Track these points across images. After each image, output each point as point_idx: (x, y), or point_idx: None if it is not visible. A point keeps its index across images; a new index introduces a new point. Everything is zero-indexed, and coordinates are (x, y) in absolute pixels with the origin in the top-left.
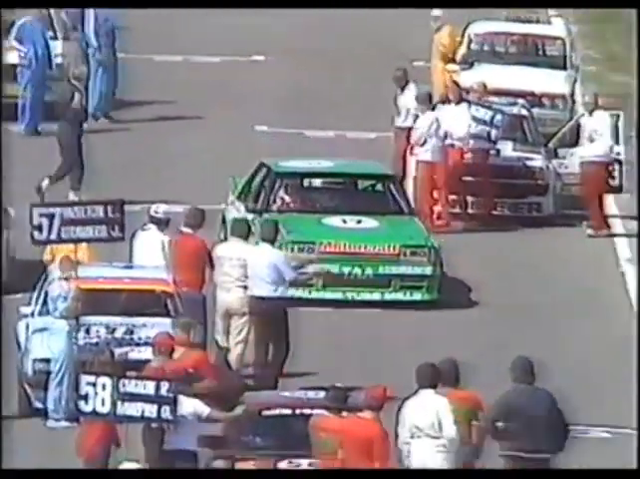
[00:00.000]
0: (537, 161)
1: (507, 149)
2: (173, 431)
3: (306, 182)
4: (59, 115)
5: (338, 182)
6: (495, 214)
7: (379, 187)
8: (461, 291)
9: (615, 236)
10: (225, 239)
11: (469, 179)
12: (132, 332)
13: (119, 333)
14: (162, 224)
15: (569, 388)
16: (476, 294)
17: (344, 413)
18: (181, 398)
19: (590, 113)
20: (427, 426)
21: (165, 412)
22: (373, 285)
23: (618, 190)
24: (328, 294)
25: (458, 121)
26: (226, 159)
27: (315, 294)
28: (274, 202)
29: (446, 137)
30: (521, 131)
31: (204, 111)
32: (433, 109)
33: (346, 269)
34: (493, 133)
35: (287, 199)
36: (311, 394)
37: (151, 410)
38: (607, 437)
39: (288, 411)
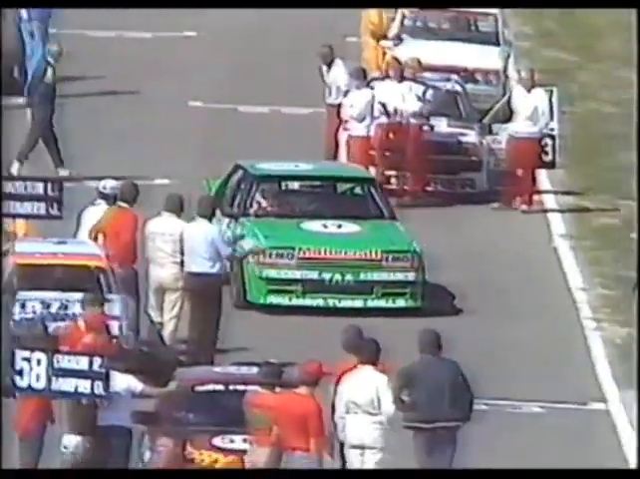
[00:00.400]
0: (471, 137)
1: (442, 125)
2: (107, 407)
3: (284, 185)
4: (32, 90)
5: (316, 185)
6: (429, 190)
7: (358, 190)
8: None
9: (549, 211)
10: None
11: (403, 155)
12: (66, 308)
13: (53, 308)
14: (111, 199)
15: (502, 363)
16: None
17: (278, 389)
18: (115, 374)
19: (529, 90)
20: (365, 403)
21: (99, 388)
22: (355, 292)
23: (551, 165)
24: (308, 301)
25: (406, 98)
26: (161, 134)
27: (295, 301)
28: (251, 205)
29: (396, 113)
30: (455, 107)
31: (138, 86)
32: (367, 84)
33: (326, 276)
34: (426, 108)
35: (264, 202)
36: (244, 370)
37: (84, 386)
38: (540, 412)
39: (221, 387)
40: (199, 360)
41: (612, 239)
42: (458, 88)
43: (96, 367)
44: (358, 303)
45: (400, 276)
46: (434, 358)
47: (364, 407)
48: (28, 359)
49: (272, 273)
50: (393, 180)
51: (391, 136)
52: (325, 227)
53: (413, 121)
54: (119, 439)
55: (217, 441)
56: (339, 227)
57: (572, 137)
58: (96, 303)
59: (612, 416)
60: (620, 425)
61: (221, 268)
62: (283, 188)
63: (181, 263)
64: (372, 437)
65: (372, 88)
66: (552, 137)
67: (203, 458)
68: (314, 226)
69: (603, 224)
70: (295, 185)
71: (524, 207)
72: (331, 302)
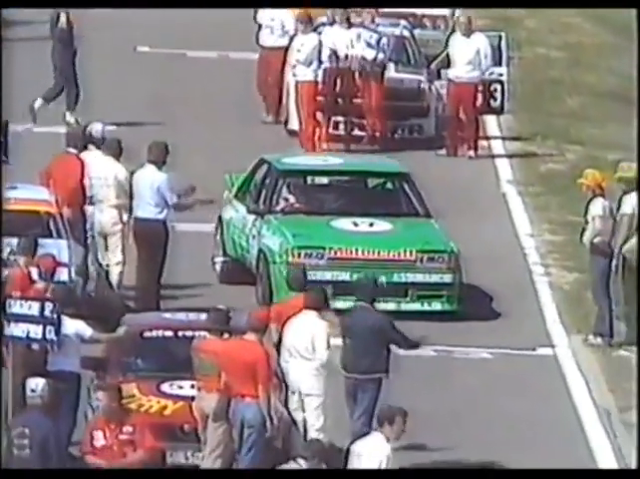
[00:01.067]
0: (420, 82)
1: (390, 70)
2: (57, 352)
3: (311, 180)
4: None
5: (346, 180)
6: (377, 135)
7: (390, 185)
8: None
9: (496, 157)
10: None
11: (352, 100)
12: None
13: (4, 254)
14: (99, 143)
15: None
16: None
17: (226, 335)
18: (64, 319)
19: (468, 35)
20: (302, 347)
21: (50, 333)
22: (388, 294)
23: (499, 111)
24: (339, 304)
25: (354, 44)
26: (107, 79)
27: None
28: (277, 202)
29: (346, 59)
30: (404, 52)
31: (85, 32)
32: (314, 29)
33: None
34: (380, 56)
35: (291, 199)
36: (192, 316)
37: (36, 331)
38: (489, 358)
39: (170, 333)
40: (146, 306)
41: (559, 184)
42: (406, 33)
43: (47, 313)
44: (391, 306)
45: (435, 278)
46: (365, 308)
47: (301, 352)
48: None
49: None
50: (341, 126)
51: (339, 82)
52: (356, 225)
53: (359, 66)
54: (67, 384)
55: (166, 387)
56: (371, 225)
57: (520, 82)
58: (30, 250)
59: (560, 362)
60: (568, 371)
61: (167, 216)
62: (310, 183)
63: (130, 209)
64: (309, 383)
65: (319, 33)
66: (501, 82)
67: (152, 404)
68: (344, 224)
69: (550, 169)
70: (324, 180)
71: (471, 153)
72: None
